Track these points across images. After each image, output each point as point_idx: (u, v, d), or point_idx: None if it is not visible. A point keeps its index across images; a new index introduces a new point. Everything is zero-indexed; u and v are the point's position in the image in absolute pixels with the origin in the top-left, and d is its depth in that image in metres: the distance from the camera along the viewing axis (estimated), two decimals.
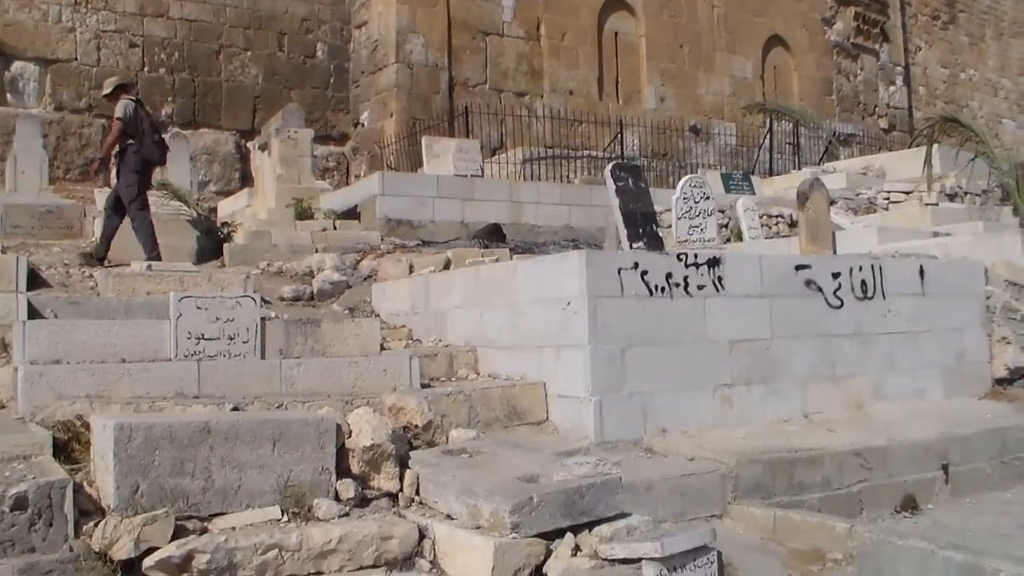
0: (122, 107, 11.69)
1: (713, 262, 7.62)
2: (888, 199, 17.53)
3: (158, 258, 11.17)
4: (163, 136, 12.15)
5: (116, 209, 11.80)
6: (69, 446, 5.68)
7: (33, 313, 8.37)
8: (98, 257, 11.49)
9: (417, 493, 5.52)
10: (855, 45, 32.39)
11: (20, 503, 4.51)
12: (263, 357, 7.07)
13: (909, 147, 24.69)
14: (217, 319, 6.95)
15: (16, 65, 21.25)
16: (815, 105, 29.93)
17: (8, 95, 21.04)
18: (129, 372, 6.49)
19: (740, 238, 14.40)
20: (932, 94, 35.59)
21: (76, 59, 21.88)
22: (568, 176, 19.71)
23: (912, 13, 35.36)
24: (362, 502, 5.40)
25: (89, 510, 4.91)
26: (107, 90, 12.08)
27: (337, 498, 5.30)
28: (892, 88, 33.76)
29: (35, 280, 9.98)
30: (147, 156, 11.69)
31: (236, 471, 5.08)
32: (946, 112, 24.71)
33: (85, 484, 5.10)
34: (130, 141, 11.63)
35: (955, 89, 36.48)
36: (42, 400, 6.14)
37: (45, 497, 4.59)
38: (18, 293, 8.85)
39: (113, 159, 11.98)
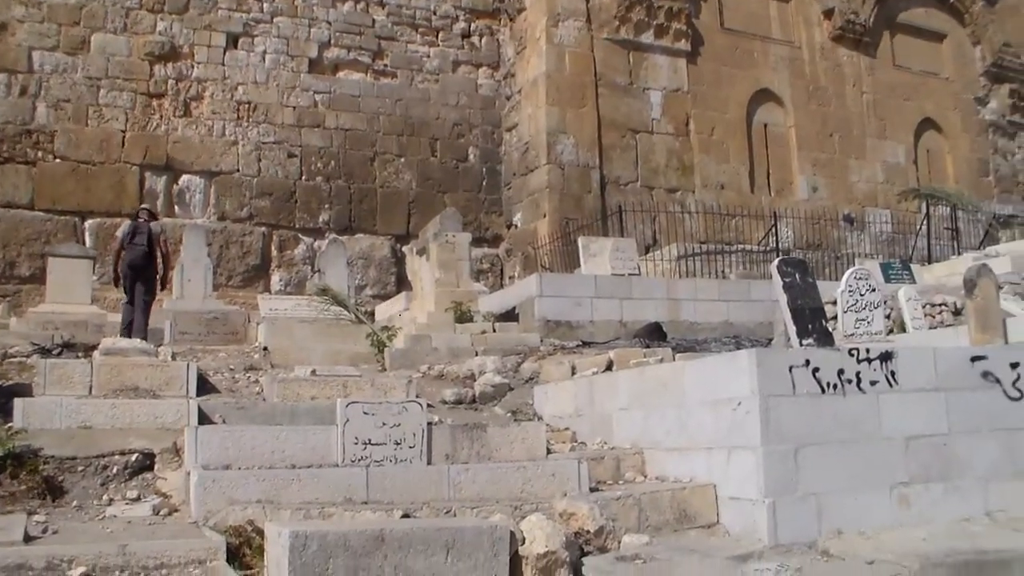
0: (120, 228, 14.57)
1: (885, 356, 7.39)
2: None
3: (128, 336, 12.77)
4: (147, 244, 13.78)
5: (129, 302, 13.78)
6: (241, 551, 5.74)
7: (203, 418, 8.59)
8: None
9: None
10: (1011, 123, 31.57)
11: None
12: (429, 462, 7.08)
13: None
14: (384, 424, 7.00)
15: (183, 178, 22.25)
16: (972, 187, 29.31)
17: (175, 207, 21.91)
18: (299, 478, 6.56)
19: (903, 329, 13.98)
20: None
21: (238, 170, 22.79)
22: (723, 271, 19.52)
23: None
24: None
25: None
26: None
27: None
28: None
29: (203, 385, 10.25)
30: (129, 262, 13.70)
31: None
32: None
33: None
34: (124, 252, 13.91)
35: None
36: (214, 505, 6.24)
37: None
38: (189, 399, 9.09)
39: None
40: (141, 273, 13.66)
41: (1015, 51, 31.72)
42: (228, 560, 5.45)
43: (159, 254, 13.89)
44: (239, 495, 6.33)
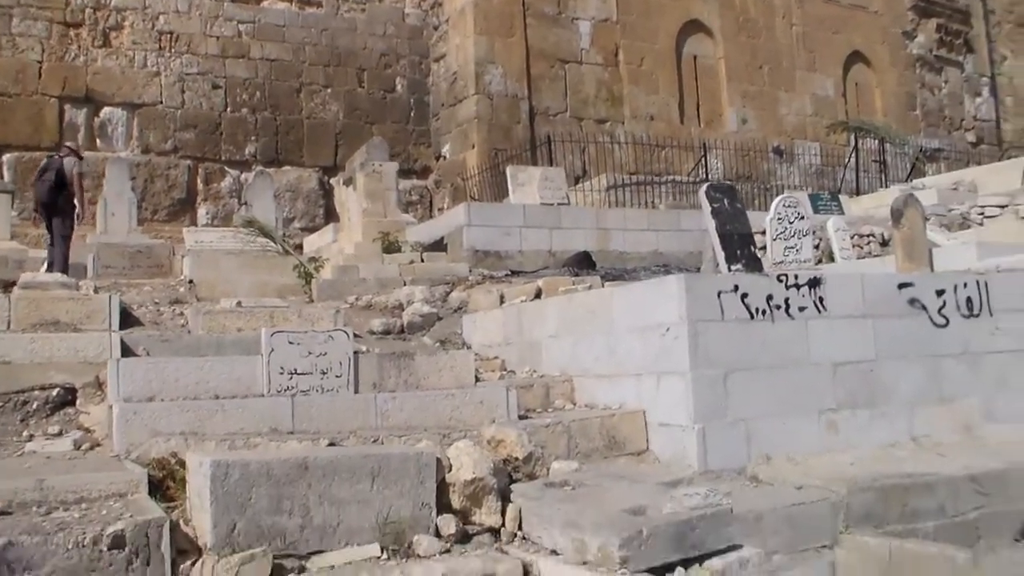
0: None
1: (814, 282, 7.38)
2: (983, 214, 17.05)
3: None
4: (55, 179, 13.51)
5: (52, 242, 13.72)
6: (164, 484, 5.62)
7: (126, 351, 8.39)
8: None
9: (520, 528, 5.37)
10: (938, 58, 31.86)
11: (118, 542, 4.43)
12: (356, 391, 6.97)
13: (1001, 159, 24.16)
14: (309, 354, 6.87)
15: (105, 111, 21.73)
16: (899, 121, 29.51)
17: (97, 140, 21.46)
18: (223, 408, 6.43)
19: (832, 259, 14.08)
20: (1021, 104, 34.74)
21: (161, 102, 22.30)
22: (653, 202, 19.52)
23: (996, 21, 34.68)
24: (463, 538, 5.27)
25: (186, 549, 4.83)
26: None
27: (438, 534, 5.17)
28: (978, 100, 33.11)
29: (127, 319, 10.04)
30: (37, 197, 13.69)
31: (334, 508, 4.98)
32: None
33: (181, 523, 5.04)
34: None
35: None
36: (137, 437, 6.10)
37: (143, 536, 4.50)
38: (111, 332, 8.89)
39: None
40: (52, 209, 13.45)
41: None
42: (151, 493, 5.33)
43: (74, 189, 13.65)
44: (162, 427, 6.19)
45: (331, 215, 22.09)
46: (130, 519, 4.58)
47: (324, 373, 6.90)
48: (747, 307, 7.00)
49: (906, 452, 7.37)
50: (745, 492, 6.18)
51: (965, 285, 8.27)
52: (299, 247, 18.46)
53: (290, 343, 6.87)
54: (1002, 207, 16.92)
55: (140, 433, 6.14)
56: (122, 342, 8.55)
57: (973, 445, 7.65)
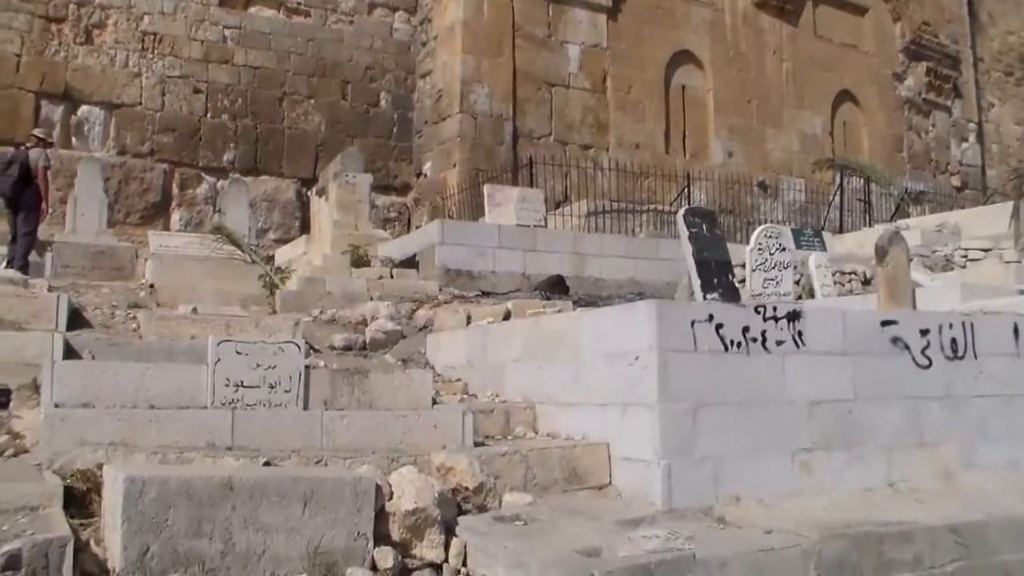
0: None
1: (793, 316, 7.01)
2: (966, 256, 16.87)
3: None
4: (19, 173, 13.58)
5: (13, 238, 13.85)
6: (88, 498, 5.23)
7: (71, 354, 7.98)
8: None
9: (464, 564, 5.00)
10: (927, 101, 31.74)
11: (13, 562, 4.00)
12: (306, 408, 6.55)
13: (985, 203, 24.02)
14: (258, 366, 6.45)
15: (82, 109, 21.38)
16: (886, 162, 29.29)
17: (73, 139, 21.09)
18: (158, 419, 6.00)
19: (812, 295, 13.79)
20: (1005, 152, 34.72)
21: (141, 103, 21.97)
22: (633, 230, 19.20)
23: (985, 69, 34.65)
24: (402, 572, 4.89)
25: (93, 572, 4.40)
26: None
27: (374, 567, 4.78)
28: (964, 145, 32.97)
29: (78, 320, 9.70)
30: (2, 192, 13.70)
31: (260, 534, 4.58)
32: None
33: (92, 543, 4.62)
34: None
35: None
36: (63, 446, 5.69)
37: (41, 557, 4.07)
38: (56, 332, 8.48)
39: None
40: (16, 204, 13.35)
41: (933, 30, 31.88)
42: (70, 507, 4.92)
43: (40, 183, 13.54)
44: (91, 436, 5.76)
45: (307, 227, 21.69)
46: (29, 537, 4.15)
47: (272, 387, 6.49)
48: (721, 338, 6.61)
49: (883, 498, 7.01)
50: (711, 534, 5.78)
51: (951, 326, 7.92)
52: (271, 258, 18.06)
53: (238, 353, 6.46)
54: (986, 251, 16.77)
55: (67, 441, 5.71)
56: (67, 344, 8.13)
57: (953, 493, 7.29)
